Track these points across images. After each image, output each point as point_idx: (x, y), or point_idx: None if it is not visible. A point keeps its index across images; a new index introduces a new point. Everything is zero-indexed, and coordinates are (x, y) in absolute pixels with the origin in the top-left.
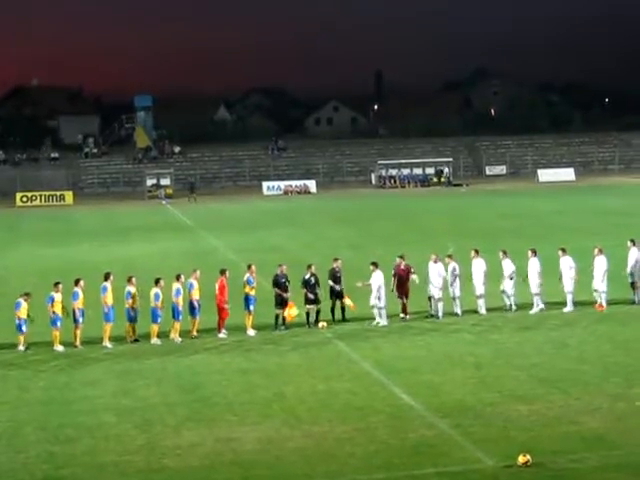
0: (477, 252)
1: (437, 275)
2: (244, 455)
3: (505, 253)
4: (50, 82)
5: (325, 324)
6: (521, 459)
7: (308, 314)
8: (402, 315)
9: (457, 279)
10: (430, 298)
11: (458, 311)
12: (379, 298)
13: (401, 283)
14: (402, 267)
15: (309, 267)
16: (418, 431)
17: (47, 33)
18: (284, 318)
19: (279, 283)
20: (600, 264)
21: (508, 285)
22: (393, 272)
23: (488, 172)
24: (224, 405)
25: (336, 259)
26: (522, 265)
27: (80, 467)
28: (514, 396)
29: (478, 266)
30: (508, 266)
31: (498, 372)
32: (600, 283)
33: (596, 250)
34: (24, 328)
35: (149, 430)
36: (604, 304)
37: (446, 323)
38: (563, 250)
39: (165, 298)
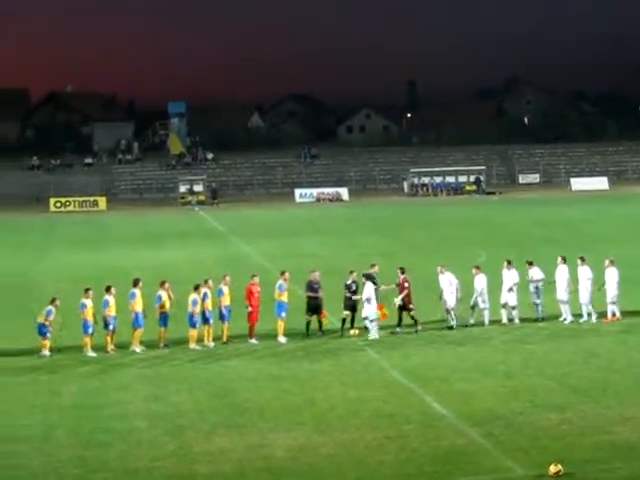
0: (510, 263)
1: (449, 285)
2: (275, 462)
3: (510, 263)
4: (84, 89)
5: (357, 332)
6: (552, 469)
7: (344, 320)
8: (399, 329)
9: (456, 291)
10: (447, 310)
11: (453, 323)
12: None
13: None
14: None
15: (351, 273)
16: (449, 439)
17: (81, 40)
18: (320, 324)
19: (312, 289)
20: (612, 275)
21: (510, 296)
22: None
23: (521, 180)
24: (255, 411)
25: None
26: (552, 272)
27: (111, 472)
28: (545, 405)
29: (510, 277)
30: (512, 276)
31: (529, 381)
32: (613, 294)
33: (607, 261)
34: (49, 334)
35: (180, 436)
36: (617, 314)
37: (476, 332)
38: (582, 259)
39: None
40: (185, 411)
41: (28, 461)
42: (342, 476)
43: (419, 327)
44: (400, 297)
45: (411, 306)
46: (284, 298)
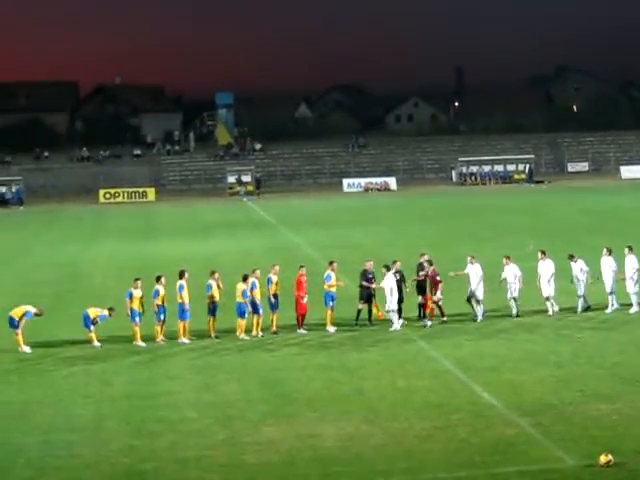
0: (544, 253)
1: (475, 275)
2: (324, 451)
3: (544, 253)
4: (133, 80)
5: (404, 322)
6: (603, 459)
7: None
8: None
9: (481, 282)
10: (469, 299)
11: (480, 316)
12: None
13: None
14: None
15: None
16: (498, 430)
17: (129, 32)
18: (370, 314)
19: (367, 279)
20: (630, 263)
21: (548, 287)
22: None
23: (570, 169)
24: (304, 401)
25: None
26: (598, 262)
27: (162, 462)
28: (595, 395)
29: (546, 267)
30: (548, 267)
31: (579, 371)
32: (632, 286)
33: (626, 250)
34: (92, 327)
35: (230, 425)
36: (635, 307)
37: (527, 322)
38: (630, 249)
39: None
40: (234, 401)
41: (80, 450)
42: (391, 466)
43: (444, 318)
44: (439, 292)
45: (440, 296)
46: (333, 288)
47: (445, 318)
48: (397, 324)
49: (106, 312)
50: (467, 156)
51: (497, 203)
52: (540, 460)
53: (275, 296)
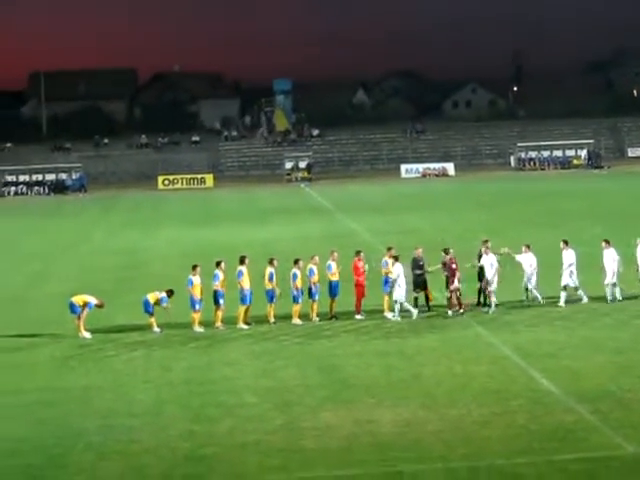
0: (608, 242)
1: (489, 266)
2: (382, 437)
3: (566, 243)
4: (191, 67)
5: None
6: None
7: (479, 291)
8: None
9: (496, 273)
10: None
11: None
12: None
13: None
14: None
15: (485, 242)
16: (557, 416)
17: (188, 19)
18: (427, 300)
19: (417, 266)
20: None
21: (567, 277)
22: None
23: (630, 154)
24: (362, 387)
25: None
26: None
27: (221, 447)
28: None
29: (609, 255)
30: (569, 256)
31: (638, 357)
32: None
33: (638, 240)
34: (152, 310)
35: (288, 411)
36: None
37: (586, 308)
38: (607, 242)
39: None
40: (293, 386)
41: (140, 435)
42: (449, 452)
43: (458, 310)
44: (456, 281)
45: (458, 285)
46: (390, 274)
47: (461, 310)
48: (398, 316)
49: (164, 294)
50: (526, 141)
51: (556, 188)
52: (599, 447)
53: (334, 282)
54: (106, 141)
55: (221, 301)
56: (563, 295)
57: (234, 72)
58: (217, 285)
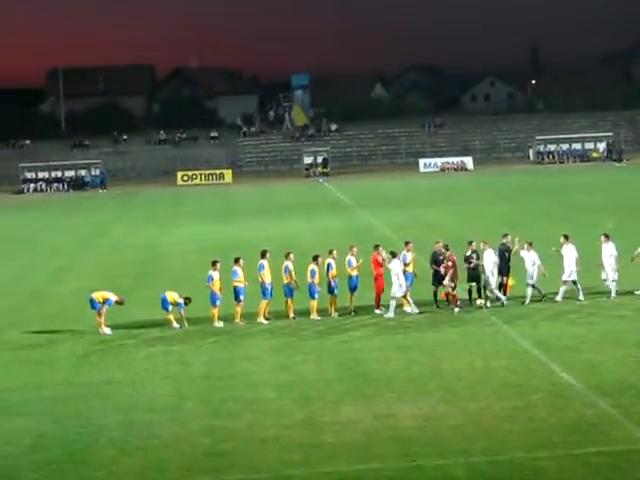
0: (607, 237)
1: (488, 262)
2: (402, 431)
3: (567, 238)
4: (209, 63)
5: (483, 301)
6: None
7: (470, 291)
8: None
9: (495, 268)
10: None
11: (488, 303)
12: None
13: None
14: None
15: (470, 244)
16: (578, 410)
17: (205, 14)
18: (448, 296)
19: (437, 260)
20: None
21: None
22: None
23: None
24: (382, 381)
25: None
26: None
27: (241, 441)
28: None
29: (607, 250)
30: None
31: None
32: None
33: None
34: (170, 308)
35: (308, 405)
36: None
37: (604, 302)
38: (606, 236)
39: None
40: (312, 381)
41: (161, 430)
42: (470, 446)
43: (456, 309)
44: (448, 278)
45: (450, 283)
46: (409, 268)
47: (456, 308)
48: (392, 312)
49: (181, 300)
50: (544, 135)
51: (575, 182)
52: (620, 441)
53: (354, 277)
54: (125, 137)
55: (241, 297)
56: (613, 286)
57: (252, 67)
58: (236, 281)
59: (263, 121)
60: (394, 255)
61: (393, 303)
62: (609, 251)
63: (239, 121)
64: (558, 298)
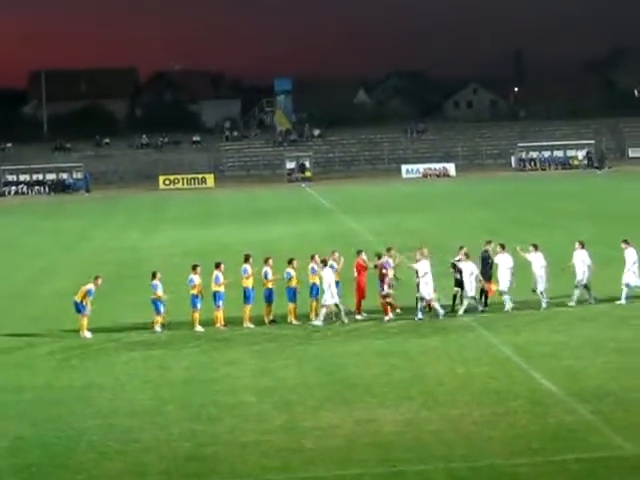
0: (582, 244)
1: (467, 272)
2: (383, 437)
3: (536, 247)
4: (191, 67)
5: (462, 307)
6: None
7: (455, 297)
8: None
9: (471, 277)
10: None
11: (460, 311)
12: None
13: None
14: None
15: (461, 249)
16: (558, 417)
17: (188, 18)
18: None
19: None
20: (630, 256)
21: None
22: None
23: (631, 154)
24: (363, 387)
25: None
26: None
27: (222, 446)
28: None
29: (579, 257)
30: (631, 255)
31: None
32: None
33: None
34: (162, 308)
35: (289, 410)
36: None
37: (584, 309)
38: (581, 244)
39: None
40: (293, 386)
41: (141, 435)
42: (450, 452)
43: (388, 317)
44: (385, 286)
45: (383, 292)
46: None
47: (387, 317)
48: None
49: (155, 281)
50: (526, 142)
51: (556, 189)
52: (599, 447)
53: (335, 283)
54: (107, 141)
55: (220, 302)
56: (624, 292)
57: (235, 71)
58: (217, 286)
59: (246, 126)
60: (325, 263)
61: (323, 311)
62: (581, 257)
63: (227, 125)
64: (572, 303)
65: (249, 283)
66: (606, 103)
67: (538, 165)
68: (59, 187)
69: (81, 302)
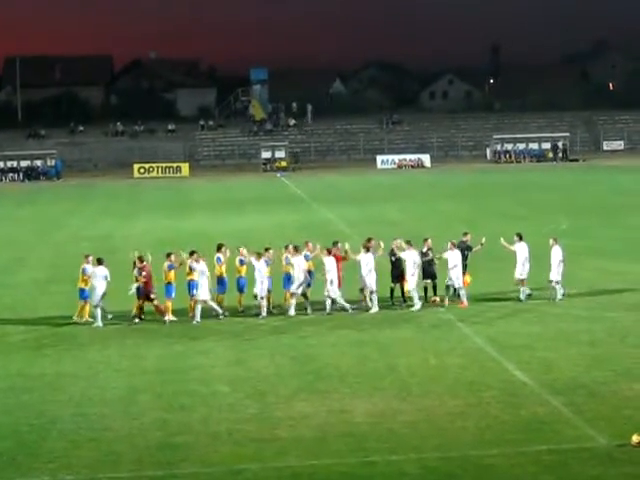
0: (556, 240)
1: (452, 261)
2: (356, 427)
3: (520, 237)
4: (167, 55)
5: (438, 299)
6: (635, 438)
7: (426, 288)
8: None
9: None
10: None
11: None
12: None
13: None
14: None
15: (425, 241)
16: (531, 408)
17: (164, 6)
18: (403, 291)
19: (393, 257)
20: (556, 254)
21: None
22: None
23: (605, 147)
24: (337, 377)
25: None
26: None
27: (194, 435)
28: (629, 374)
29: (556, 253)
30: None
31: (613, 350)
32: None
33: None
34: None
35: (262, 400)
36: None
37: (560, 302)
38: (555, 240)
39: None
40: (266, 376)
41: (113, 423)
42: (423, 442)
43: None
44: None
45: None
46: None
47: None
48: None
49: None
50: (502, 134)
51: (531, 181)
52: (572, 439)
53: (310, 272)
54: (81, 128)
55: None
56: (558, 289)
57: (211, 60)
58: (191, 275)
59: (221, 115)
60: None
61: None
62: (557, 253)
63: (203, 116)
64: (558, 296)
65: (222, 271)
66: (582, 96)
67: (513, 157)
68: (33, 174)
69: (83, 287)
